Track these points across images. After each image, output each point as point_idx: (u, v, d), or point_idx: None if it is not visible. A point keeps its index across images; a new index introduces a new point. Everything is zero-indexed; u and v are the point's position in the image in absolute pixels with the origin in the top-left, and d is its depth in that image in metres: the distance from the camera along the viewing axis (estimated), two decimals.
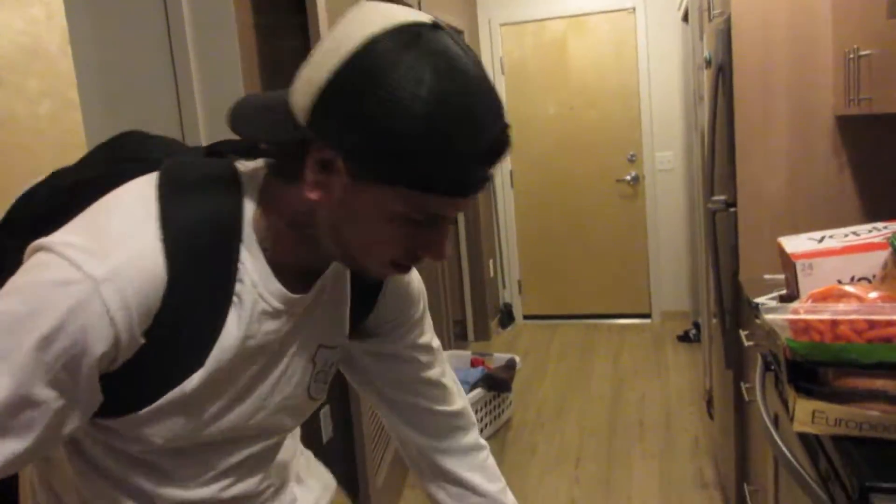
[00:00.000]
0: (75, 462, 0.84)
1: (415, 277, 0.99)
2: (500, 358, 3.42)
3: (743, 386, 2.04)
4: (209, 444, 0.84)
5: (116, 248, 0.69)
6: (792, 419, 1.11)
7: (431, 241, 0.76)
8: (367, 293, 0.94)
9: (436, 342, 1.05)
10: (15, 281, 0.70)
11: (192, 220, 0.73)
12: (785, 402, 1.22)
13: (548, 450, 3.10)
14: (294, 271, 0.80)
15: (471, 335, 4.54)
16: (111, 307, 0.68)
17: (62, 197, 0.80)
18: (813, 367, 1.09)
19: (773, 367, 1.45)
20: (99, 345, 0.68)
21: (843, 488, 1.02)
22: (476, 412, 3.08)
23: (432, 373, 1.03)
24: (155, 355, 0.72)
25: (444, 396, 1.05)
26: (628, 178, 4.59)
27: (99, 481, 0.84)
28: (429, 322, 1.03)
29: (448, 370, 1.07)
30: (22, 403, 0.67)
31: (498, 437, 3.24)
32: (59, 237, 0.71)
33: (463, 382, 3.12)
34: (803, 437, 1.19)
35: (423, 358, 1.02)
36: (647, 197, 4.58)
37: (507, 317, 4.85)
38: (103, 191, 0.76)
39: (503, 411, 3.32)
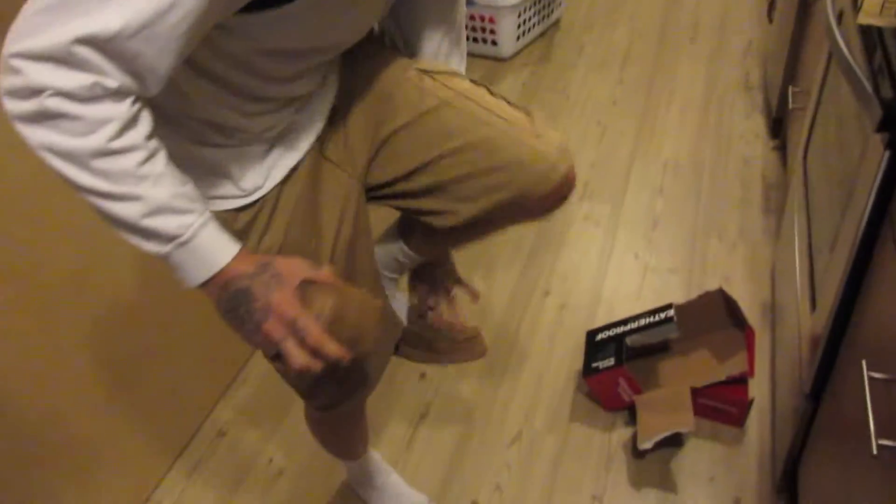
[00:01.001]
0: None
1: None
2: None
3: None
4: (304, 50, 0.92)
5: None
6: (859, 10, 1.06)
7: None
8: None
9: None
10: None
11: None
12: None
13: (595, 51, 3.07)
14: None
15: None
16: None
17: None
18: None
19: None
20: None
21: (891, 82, 1.02)
22: (525, 10, 3.00)
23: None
24: None
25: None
26: None
27: (200, 80, 0.90)
28: None
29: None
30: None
31: (546, 37, 3.20)
32: None
33: None
34: (865, 34, 1.16)
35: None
36: None
37: None
38: None
39: (553, 10, 3.21)
